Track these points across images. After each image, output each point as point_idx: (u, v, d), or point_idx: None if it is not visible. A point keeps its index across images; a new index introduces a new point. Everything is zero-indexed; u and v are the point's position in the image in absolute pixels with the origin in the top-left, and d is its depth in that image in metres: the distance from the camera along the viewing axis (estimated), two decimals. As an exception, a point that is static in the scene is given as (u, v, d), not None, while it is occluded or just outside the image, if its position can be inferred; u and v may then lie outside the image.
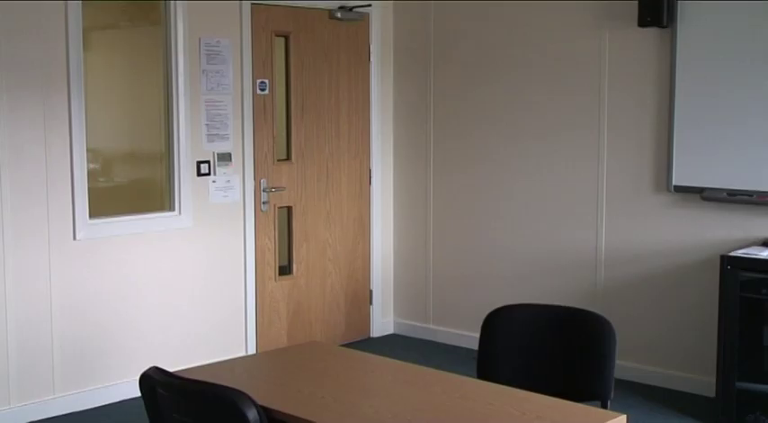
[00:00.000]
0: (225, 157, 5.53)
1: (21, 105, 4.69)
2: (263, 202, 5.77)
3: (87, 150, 4.97)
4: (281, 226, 5.96)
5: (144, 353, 5.16)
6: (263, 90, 5.71)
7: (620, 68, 5.37)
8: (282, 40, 5.87)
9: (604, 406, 3.07)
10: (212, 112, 5.46)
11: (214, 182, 5.50)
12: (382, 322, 6.52)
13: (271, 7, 5.74)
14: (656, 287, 5.30)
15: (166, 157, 5.37)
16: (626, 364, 4.97)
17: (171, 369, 2.70)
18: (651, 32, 5.18)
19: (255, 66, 5.67)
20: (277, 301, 5.90)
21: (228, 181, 5.57)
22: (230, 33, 5.53)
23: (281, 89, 5.91)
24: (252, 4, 5.62)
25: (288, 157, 5.95)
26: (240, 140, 5.61)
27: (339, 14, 6.03)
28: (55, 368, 4.84)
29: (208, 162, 5.46)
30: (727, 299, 4.55)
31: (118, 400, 5.03)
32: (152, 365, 2.67)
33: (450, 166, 6.23)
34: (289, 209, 5.96)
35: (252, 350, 5.75)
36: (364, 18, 6.23)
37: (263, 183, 5.77)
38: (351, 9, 6.12)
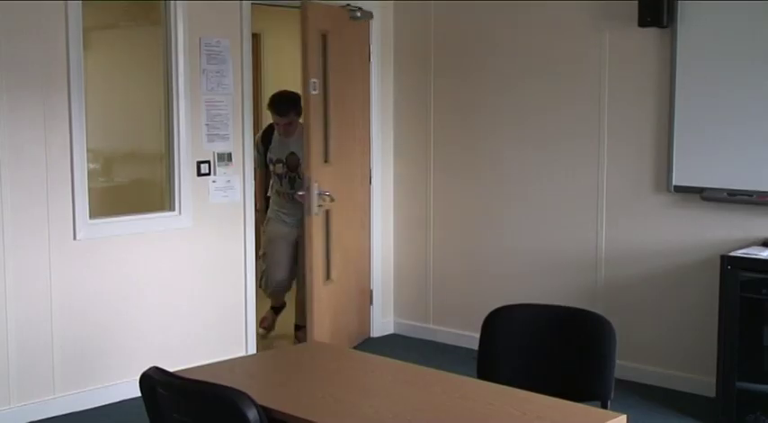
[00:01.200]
0: (225, 158, 5.54)
1: (21, 105, 4.69)
2: (318, 206, 5.57)
3: (87, 150, 4.97)
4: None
5: (144, 353, 5.16)
6: (314, 90, 5.58)
7: (620, 68, 5.37)
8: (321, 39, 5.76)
9: (604, 406, 3.07)
10: (212, 112, 5.46)
11: (214, 182, 5.49)
12: (382, 322, 6.53)
13: (319, 6, 5.64)
14: (657, 287, 5.30)
15: (166, 157, 5.37)
16: (626, 365, 4.97)
17: (171, 369, 2.70)
18: (651, 33, 5.18)
19: (309, 65, 5.51)
20: (324, 307, 5.76)
21: (228, 181, 5.56)
22: (230, 33, 5.52)
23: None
24: (252, 3, 5.62)
25: (327, 160, 5.78)
26: (240, 141, 5.61)
27: (359, 14, 6.04)
28: (55, 368, 4.84)
29: (208, 162, 5.46)
30: (728, 299, 4.55)
31: (118, 400, 5.03)
32: (152, 365, 2.67)
33: (450, 166, 6.23)
34: (327, 212, 5.76)
35: (252, 350, 5.75)
36: (369, 18, 6.23)
37: (317, 186, 5.56)
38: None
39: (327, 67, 5.77)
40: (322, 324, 5.70)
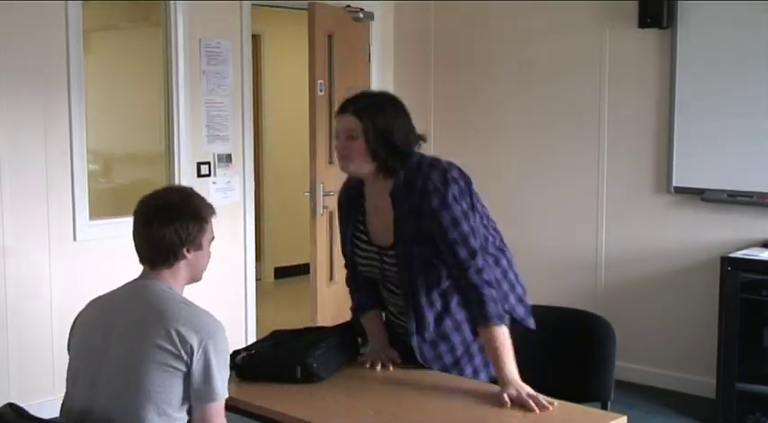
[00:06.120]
0: (225, 159, 5.53)
1: (21, 106, 4.68)
2: (324, 207, 5.64)
3: (87, 151, 4.97)
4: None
5: (144, 354, 5.15)
6: (321, 91, 5.67)
7: (621, 69, 5.37)
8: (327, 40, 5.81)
9: (604, 407, 3.07)
10: (212, 114, 5.46)
11: (214, 183, 5.49)
12: (382, 323, 6.51)
13: (325, 7, 5.68)
14: (657, 288, 5.30)
15: (166, 158, 5.36)
16: (626, 366, 4.96)
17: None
18: (651, 33, 5.18)
19: (317, 66, 5.61)
20: (328, 308, 5.75)
21: (228, 182, 5.56)
22: (231, 34, 5.52)
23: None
24: (252, 4, 5.62)
25: (331, 161, 5.79)
26: (240, 142, 5.61)
27: (361, 16, 6.05)
28: (55, 368, 4.84)
29: (208, 163, 5.46)
30: (728, 300, 4.54)
31: (118, 401, 5.02)
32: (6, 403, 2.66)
33: (450, 167, 6.22)
34: (332, 213, 5.80)
35: (252, 351, 5.74)
36: (371, 18, 6.23)
37: (323, 187, 5.63)
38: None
39: (333, 69, 5.81)
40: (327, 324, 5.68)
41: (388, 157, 2.87)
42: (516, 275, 3.10)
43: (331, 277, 5.85)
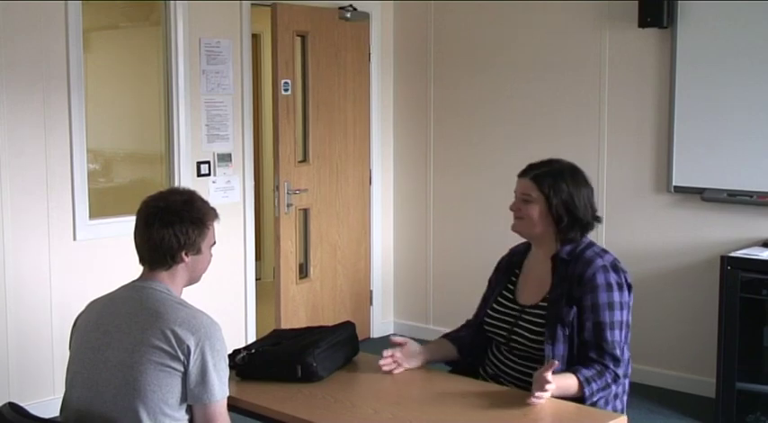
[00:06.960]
0: (225, 158, 5.53)
1: (21, 105, 4.68)
2: (288, 205, 5.76)
3: (87, 151, 4.97)
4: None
5: (144, 353, 5.15)
6: (286, 90, 5.71)
7: (621, 69, 5.37)
8: (300, 39, 5.87)
9: (605, 406, 3.08)
10: (212, 113, 5.46)
11: (214, 182, 5.49)
12: (382, 323, 6.52)
13: (293, 6, 5.73)
14: (657, 288, 5.29)
15: (166, 157, 5.36)
16: (626, 365, 4.97)
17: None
18: (651, 33, 5.18)
19: (279, 66, 5.68)
20: (297, 305, 5.90)
21: (228, 181, 5.56)
22: (230, 34, 5.52)
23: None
24: (252, 4, 5.62)
25: (305, 159, 5.94)
26: (240, 141, 5.61)
27: (348, 15, 6.05)
28: (55, 368, 4.84)
29: (208, 162, 5.46)
30: (728, 299, 4.54)
31: (118, 400, 5.02)
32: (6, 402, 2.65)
33: (450, 167, 6.22)
34: (305, 211, 5.97)
35: (252, 350, 5.74)
36: (365, 18, 6.23)
37: (287, 185, 5.76)
38: (354, 9, 6.12)
39: (307, 68, 5.87)
40: (293, 322, 5.80)
41: (570, 226, 3.04)
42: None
43: (306, 274, 5.98)
